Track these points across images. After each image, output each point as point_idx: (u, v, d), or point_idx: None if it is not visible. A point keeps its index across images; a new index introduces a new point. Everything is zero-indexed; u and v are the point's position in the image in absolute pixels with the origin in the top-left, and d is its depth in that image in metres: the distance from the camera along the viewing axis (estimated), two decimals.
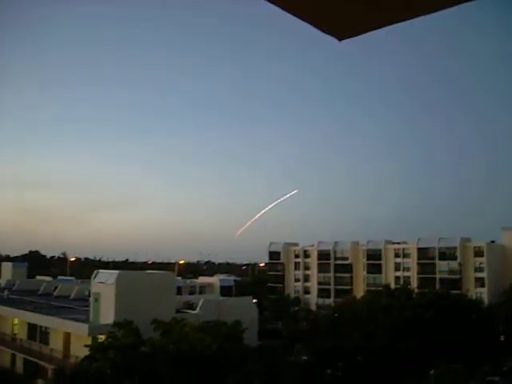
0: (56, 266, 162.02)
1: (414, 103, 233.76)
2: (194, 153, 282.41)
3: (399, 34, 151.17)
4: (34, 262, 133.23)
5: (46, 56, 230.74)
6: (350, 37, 3.06)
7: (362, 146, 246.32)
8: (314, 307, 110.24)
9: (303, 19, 2.87)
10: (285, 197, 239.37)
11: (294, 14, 2.84)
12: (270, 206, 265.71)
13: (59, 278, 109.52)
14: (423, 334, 58.14)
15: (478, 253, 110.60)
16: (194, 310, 64.00)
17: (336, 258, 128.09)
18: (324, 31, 2.96)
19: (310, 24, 2.89)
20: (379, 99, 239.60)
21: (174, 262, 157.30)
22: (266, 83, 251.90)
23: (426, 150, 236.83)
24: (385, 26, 3.06)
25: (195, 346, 46.79)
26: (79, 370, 45.86)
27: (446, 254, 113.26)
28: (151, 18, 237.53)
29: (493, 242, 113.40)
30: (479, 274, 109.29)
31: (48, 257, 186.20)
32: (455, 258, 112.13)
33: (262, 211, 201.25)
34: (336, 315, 71.87)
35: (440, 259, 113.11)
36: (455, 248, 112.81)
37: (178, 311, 60.76)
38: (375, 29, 3.05)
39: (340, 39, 3.04)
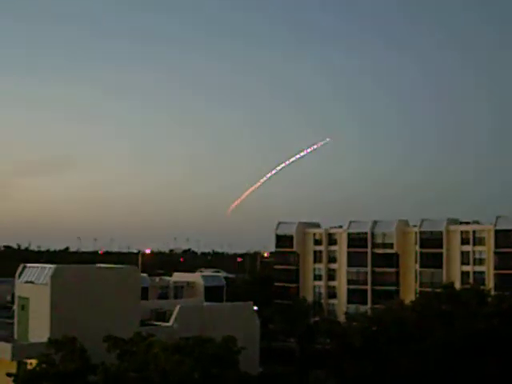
0: None
1: None
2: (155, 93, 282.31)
3: None
4: None
5: None
6: None
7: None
8: (342, 317, 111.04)
9: None
10: (295, 158, 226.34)
11: None
12: (274, 172, 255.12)
13: None
14: (502, 355, 58.60)
15: None
16: (167, 321, 64.52)
17: (375, 246, 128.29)
18: None
19: None
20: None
21: (136, 251, 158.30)
22: None
23: None
24: None
25: (168, 374, 47.32)
26: None
27: None
28: None
29: None
30: None
31: None
32: None
33: (264, 178, 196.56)
34: (375, 329, 72.30)
35: None
36: None
37: (143, 323, 61.24)
38: None
39: None
